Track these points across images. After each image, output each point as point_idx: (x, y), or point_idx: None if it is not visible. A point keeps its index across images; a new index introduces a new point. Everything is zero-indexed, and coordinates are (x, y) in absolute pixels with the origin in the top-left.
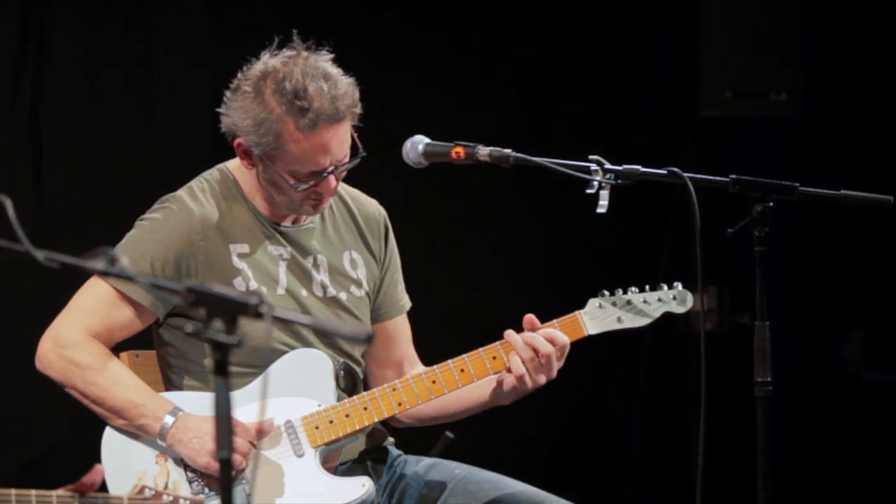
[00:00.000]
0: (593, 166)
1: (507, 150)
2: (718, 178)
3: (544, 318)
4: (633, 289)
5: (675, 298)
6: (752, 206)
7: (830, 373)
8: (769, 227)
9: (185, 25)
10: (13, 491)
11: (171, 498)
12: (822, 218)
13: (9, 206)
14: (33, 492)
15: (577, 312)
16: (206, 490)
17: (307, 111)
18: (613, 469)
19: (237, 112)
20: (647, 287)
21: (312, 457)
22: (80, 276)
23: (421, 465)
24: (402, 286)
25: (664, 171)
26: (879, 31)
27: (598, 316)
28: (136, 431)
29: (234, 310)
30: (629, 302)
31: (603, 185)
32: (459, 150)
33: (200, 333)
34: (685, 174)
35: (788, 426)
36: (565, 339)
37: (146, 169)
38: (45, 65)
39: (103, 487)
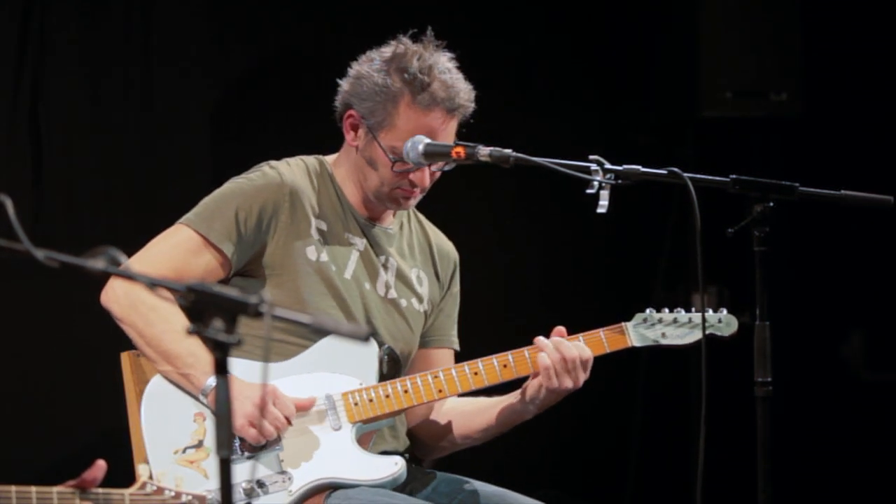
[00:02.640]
0: (593, 166)
1: (508, 151)
2: (718, 179)
3: (545, 316)
4: (679, 309)
5: (720, 321)
6: (752, 206)
7: (830, 373)
8: (769, 227)
9: (185, 26)
10: (13, 487)
11: (172, 493)
12: (823, 218)
13: (9, 205)
14: (33, 488)
15: (622, 324)
16: (240, 451)
17: (427, 88)
18: (614, 469)
19: (358, 80)
20: (693, 308)
21: (348, 432)
22: (83, 277)
23: (429, 478)
24: (455, 326)
25: (664, 172)
26: (879, 31)
27: (643, 330)
28: (180, 381)
29: (234, 309)
30: (675, 320)
31: (603, 185)
32: (460, 150)
33: (200, 333)
34: (685, 174)
35: (788, 426)
36: (589, 354)
37: (146, 169)
38: (45, 65)
39: (115, 470)
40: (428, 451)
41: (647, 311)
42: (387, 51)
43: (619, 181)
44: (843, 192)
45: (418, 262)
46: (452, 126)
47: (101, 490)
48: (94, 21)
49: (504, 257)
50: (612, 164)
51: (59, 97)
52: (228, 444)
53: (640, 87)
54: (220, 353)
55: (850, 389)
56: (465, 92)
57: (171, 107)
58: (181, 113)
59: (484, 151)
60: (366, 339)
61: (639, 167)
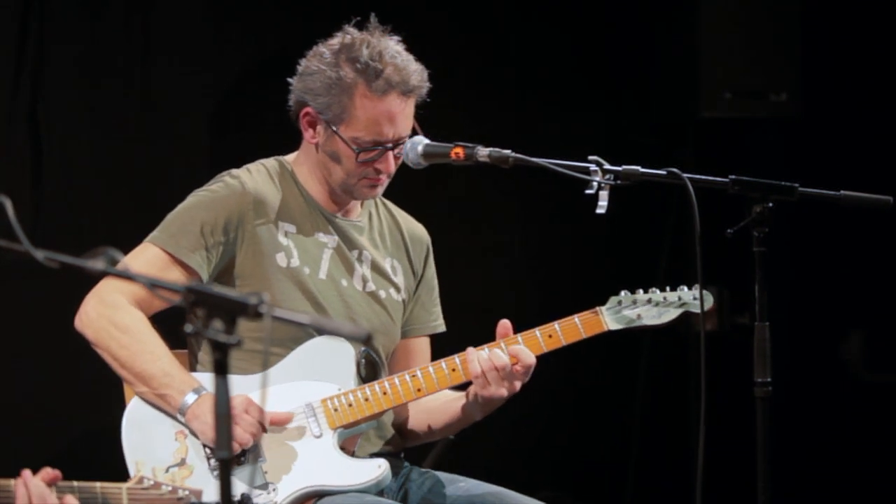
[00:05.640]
0: (593, 167)
1: (507, 151)
2: (718, 179)
3: (545, 316)
4: (654, 289)
5: (695, 299)
6: (751, 206)
7: (830, 373)
8: (768, 227)
9: (184, 26)
10: (13, 481)
11: (170, 487)
12: (823, 218)
13: (9, 206)
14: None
15: (597, 308)
16: None
17: (380, 74)
18: (613, 469)
19: (311, 76)
20: (667, 287)
21: (330, 438)
22: (81, 276)
23: (425, 477)
24: (437, 310)
25: (664, 172)
26: (879, 31)
27: (618, 312)
28: (157, 402)
29: (233, 310)
30: (649, 300)
31: (602, 185)
32: (459, 150)
33: (200, 333)
34: (685, 175)
35: (788, 426)
36: (530, 360)
37: (146, 169)
38: (44, 65)
39: (115, 469)
40: (406, 443)
41: (622, 293)
42: (334, 43)
43: (619, 182)
44: (842, 192)
45: (391, 251)
46: (410, 107)
47: (98, 484)
48: (93, 21)
49: (502, 257)
50: (612, 164)
51: (58, 97)
52: (228, 444)
53: (640, 88)
54: (220, 354)
55: (850, 390)
56: (417, 73)
57: (171, 107)
58: (181, 113)
59: (483, 152)
60: (366, 339)
61: (638, 168)
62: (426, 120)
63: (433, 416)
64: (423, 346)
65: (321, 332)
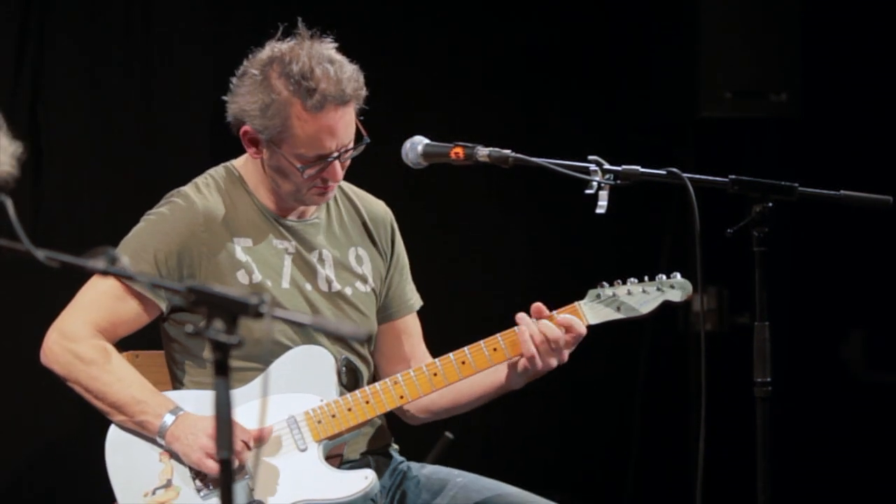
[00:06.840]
0: (592, 167)
1: (507, 151)
2: (718, 179)
3: None
4: (632, 279)
5: (673, 287)
6: (751, 206)
7: (830, 373)
8: (768, 227)
9: (185, 24)
10: None
11: None
12: (823, 218)
13: (9, 205)
14: None
15: (576, 303)
16: (210, 486)
17: (314, 92)
18: (613, 469)
19: (244, 97)
20: (645, 277)
21: (315, 451)
22: (80, 276)
23: (422, 472)
24: (411, 286)
25: (663, 172)
26: (879, 31)
27: (597, 306)
28: (136, 428)
29: (234, 310)
30: (628, 292)
31: (602, 185)
32: (459, 150)
33: (201, 333)
34: (684, 175)
35: (788, 426)
36: (582, 330)
37: (146, 168)
38: (44, 64)
39: (106, 487)
40: (420, 420)
41: (601, 285)
42: (264, 57)
43: (619, 181)
44: (842, 192)
45: (353, 239)
46: (350, 115)
47: None
48: (93, 20)
49: (501, 257)
50: (612, 164)
51: (58, 97)
52: (229, 445)
53: (640, 88)
54: (220, 354)
55: (850, 390)
56: (352, 79)
57: (172, 106)
58: (182, 112)
59: (483, 152)
60: (367, 339)
61: (638, 167)
62: (427, 120)
63: (462, 391)
64: (410, 324)
65: (322, 332)
